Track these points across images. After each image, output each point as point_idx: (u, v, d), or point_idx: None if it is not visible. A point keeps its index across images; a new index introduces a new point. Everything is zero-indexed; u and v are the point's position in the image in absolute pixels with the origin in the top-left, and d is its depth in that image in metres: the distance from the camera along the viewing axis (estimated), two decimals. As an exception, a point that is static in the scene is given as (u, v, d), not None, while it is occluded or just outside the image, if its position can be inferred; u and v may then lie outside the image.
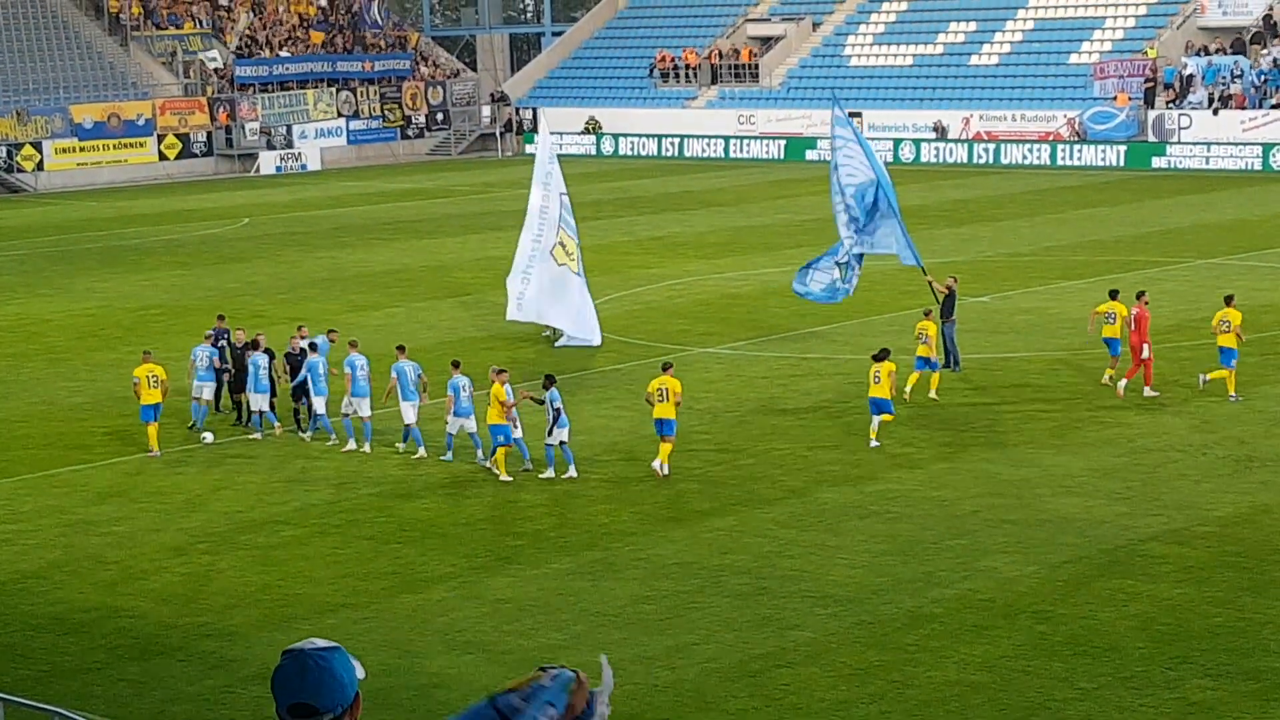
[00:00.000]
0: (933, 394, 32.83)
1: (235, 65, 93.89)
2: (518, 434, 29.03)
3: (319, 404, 30.61)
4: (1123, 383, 32.70)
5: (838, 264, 39.14)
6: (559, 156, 43.95)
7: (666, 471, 28.30)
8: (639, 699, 18.19)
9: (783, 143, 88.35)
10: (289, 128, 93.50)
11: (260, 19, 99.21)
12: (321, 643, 5.69)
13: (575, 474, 28.08)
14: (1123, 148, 78.46)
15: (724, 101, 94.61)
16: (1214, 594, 21.01)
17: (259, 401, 31.02)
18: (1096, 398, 32.36)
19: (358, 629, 20.64)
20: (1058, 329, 39.70)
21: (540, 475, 28.28)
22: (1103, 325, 35.04)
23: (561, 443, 28.36)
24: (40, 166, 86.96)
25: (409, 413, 29.90)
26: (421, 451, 29.77)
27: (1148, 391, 32.83)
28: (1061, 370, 33.33)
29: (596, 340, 39.66)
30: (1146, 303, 33.71)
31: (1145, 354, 32.90)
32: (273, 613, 21.66)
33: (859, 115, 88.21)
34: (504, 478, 28.09)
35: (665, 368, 29.19)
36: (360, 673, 5.76)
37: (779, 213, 64.30)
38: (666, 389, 28.31)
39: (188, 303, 47.66)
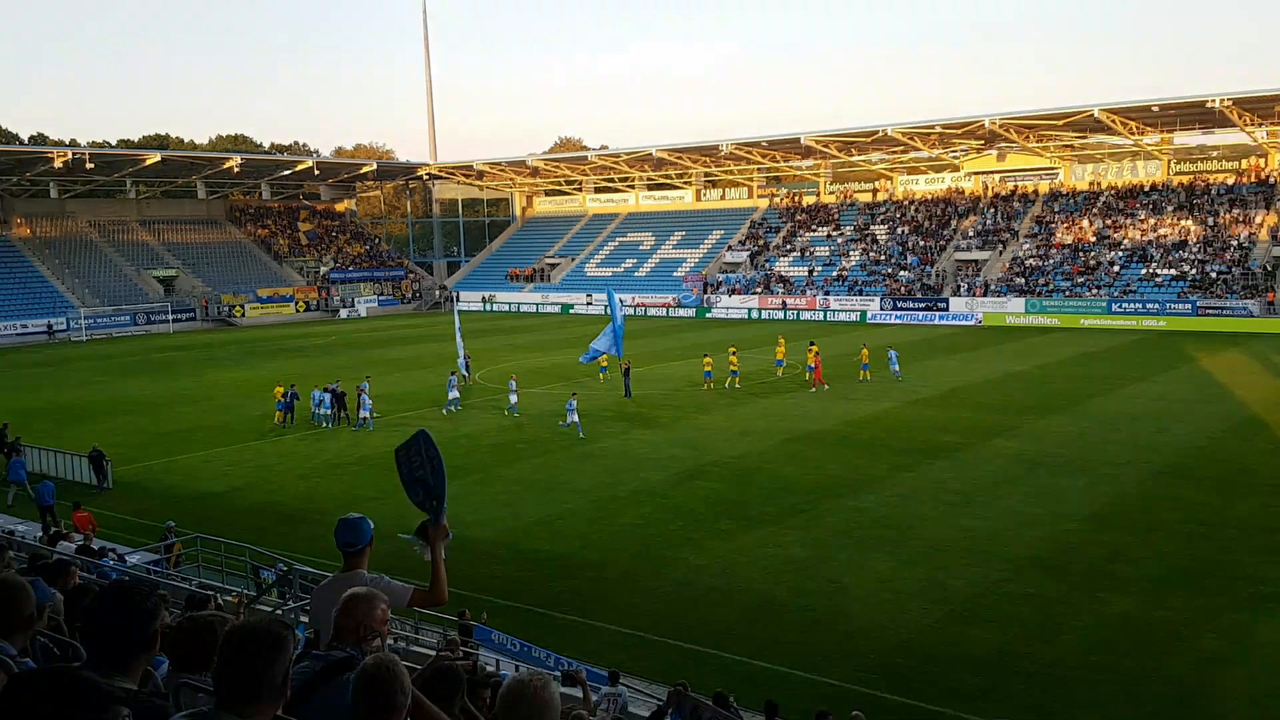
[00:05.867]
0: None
1: (330, 273, 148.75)
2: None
3: None
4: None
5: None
6: (465, 312, 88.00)
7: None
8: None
9: (557, 308, 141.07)
10: (354, 299, 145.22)
11: (340, 251, 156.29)
12: (354, 515, 8.84)
13: None
14: (693, 309, 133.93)
15: (535, 290, 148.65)
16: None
17: None
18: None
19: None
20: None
21: None
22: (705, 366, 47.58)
23: None
24: (244, 314, 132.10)
25: None
26: None
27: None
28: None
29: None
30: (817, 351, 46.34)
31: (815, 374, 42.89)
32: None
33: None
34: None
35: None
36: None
37: (560, 331, 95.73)
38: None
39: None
